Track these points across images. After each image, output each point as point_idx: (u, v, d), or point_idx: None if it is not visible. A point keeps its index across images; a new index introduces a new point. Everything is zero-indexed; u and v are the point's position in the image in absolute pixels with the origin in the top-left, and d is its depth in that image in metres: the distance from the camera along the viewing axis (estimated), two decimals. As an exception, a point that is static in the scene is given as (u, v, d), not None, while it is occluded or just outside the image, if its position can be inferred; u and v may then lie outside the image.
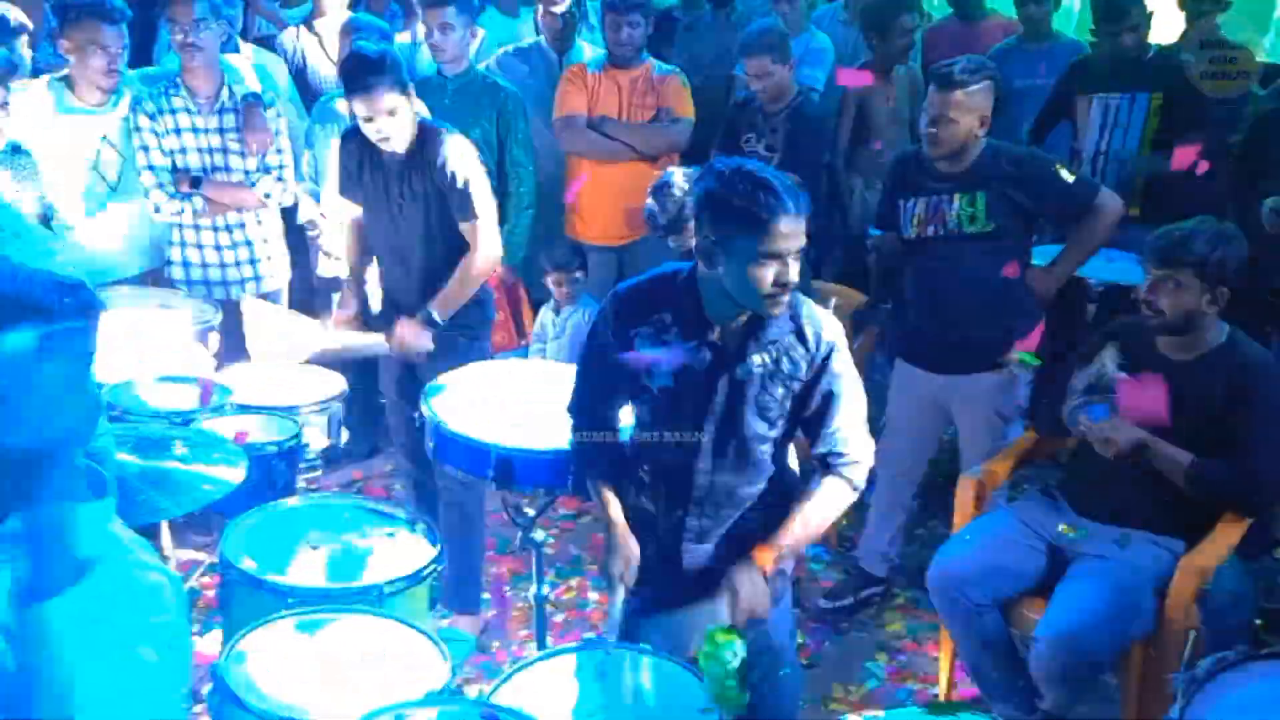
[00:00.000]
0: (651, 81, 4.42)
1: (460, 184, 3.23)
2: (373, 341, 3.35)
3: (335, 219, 3.89)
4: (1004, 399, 3.46)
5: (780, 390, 2.30)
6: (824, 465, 2.38)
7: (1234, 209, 4.00)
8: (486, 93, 4.30)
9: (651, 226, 3.29)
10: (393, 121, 3.16)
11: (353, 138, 3.36)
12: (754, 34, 4.22)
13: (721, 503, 2.38)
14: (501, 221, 4.40)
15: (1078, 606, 2.75)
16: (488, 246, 3.31)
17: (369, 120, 3.16)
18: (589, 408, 2.43)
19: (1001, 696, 2.97)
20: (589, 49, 4.84)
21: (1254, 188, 3.77)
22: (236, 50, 4.47)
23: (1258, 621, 3.31)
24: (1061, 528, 2.88)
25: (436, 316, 3.27)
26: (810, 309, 2.33)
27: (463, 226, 3.28)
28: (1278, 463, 2.77)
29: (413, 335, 3.26)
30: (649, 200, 3.26)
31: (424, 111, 3.53)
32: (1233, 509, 2.82)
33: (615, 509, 2.39)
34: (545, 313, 4.43)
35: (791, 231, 2.15)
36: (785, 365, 2.29)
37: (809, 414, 2.34)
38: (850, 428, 2.35)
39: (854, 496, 2.40)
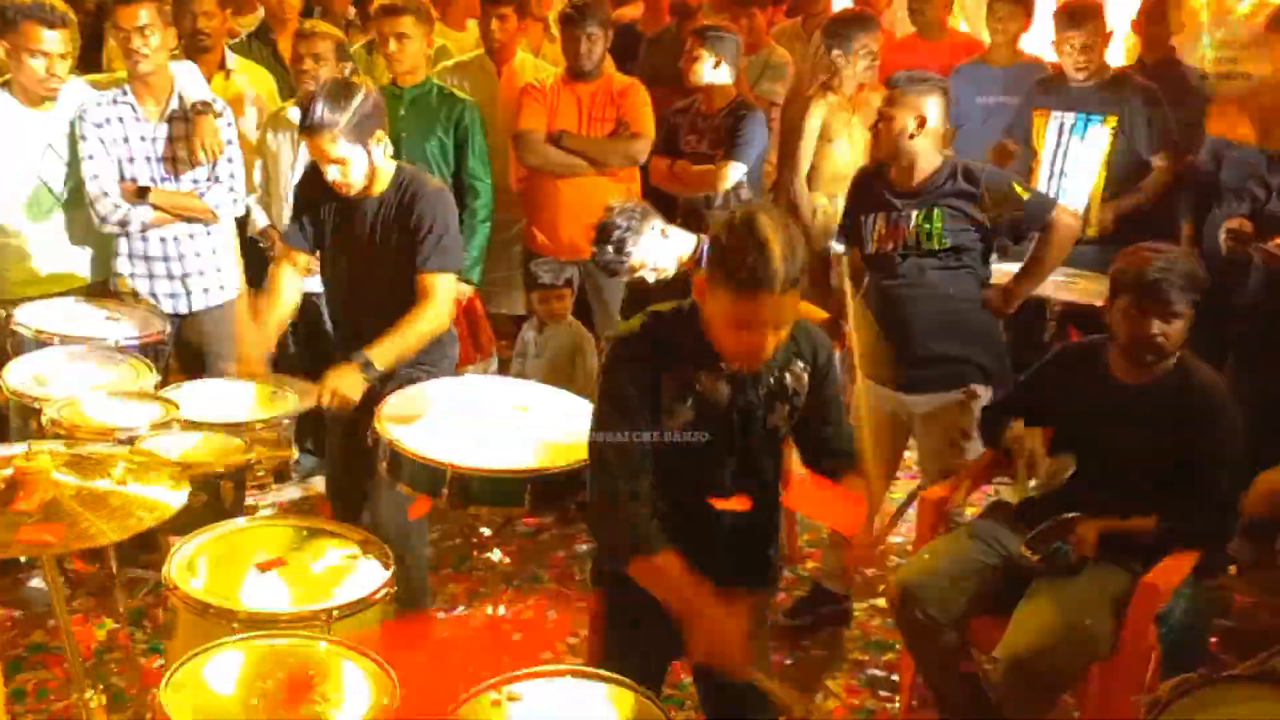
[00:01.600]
0: (611, 94, 4.40)
1: (437, 235, 3.12)
2: (303, 400, 3.15)
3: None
4: (964, 417, 3.45)
5: (787, 409, 2.26)
6: (834, 467, 2.30)
7: (1189, 230, 4.05)
8: (443, 104, 4.25)
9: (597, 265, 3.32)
10: (343, 169, 3.05)
11: (315, 171, 3.26)
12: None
13: (737, 536, 2.30)
14: (460, 234, 4.36)
15: (1037, 626, 2.75)
16: (441, 305, 3.15)
17: (323, 168, 3.08)
18: (629, 469, 2.17)
19: (961, 715, 2.96)
20: (530, 62, 4.81)
21: (1210, 209, 3.80)
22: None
23: (1213, 640, 3.33)
24: (1022, 549, 2.87)
25: (375, 363, 3.08)
26: (803, 322, 2.26)
27: (425, 278, 3.13)
28: (1234, 493, 2.78)
29: (348, 384, 3.05)
30: (594, 247, 3.32)
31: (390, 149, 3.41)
32: (1199, 546, 2.84)
33: (684, 573, 2.13)
34: (526, 330, 4.37)
35: (771, 306, 2.03)
36: (789, 382, 2.24)
37: (806, 424, 2.29)
38: (844, 423, 2.32)
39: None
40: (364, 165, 3.07)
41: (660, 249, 3.39)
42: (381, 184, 3.16)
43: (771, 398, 2.23)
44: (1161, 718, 2.13)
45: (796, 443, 2.31)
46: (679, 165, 4.38)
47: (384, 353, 3.08)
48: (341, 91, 3.02)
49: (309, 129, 3.00)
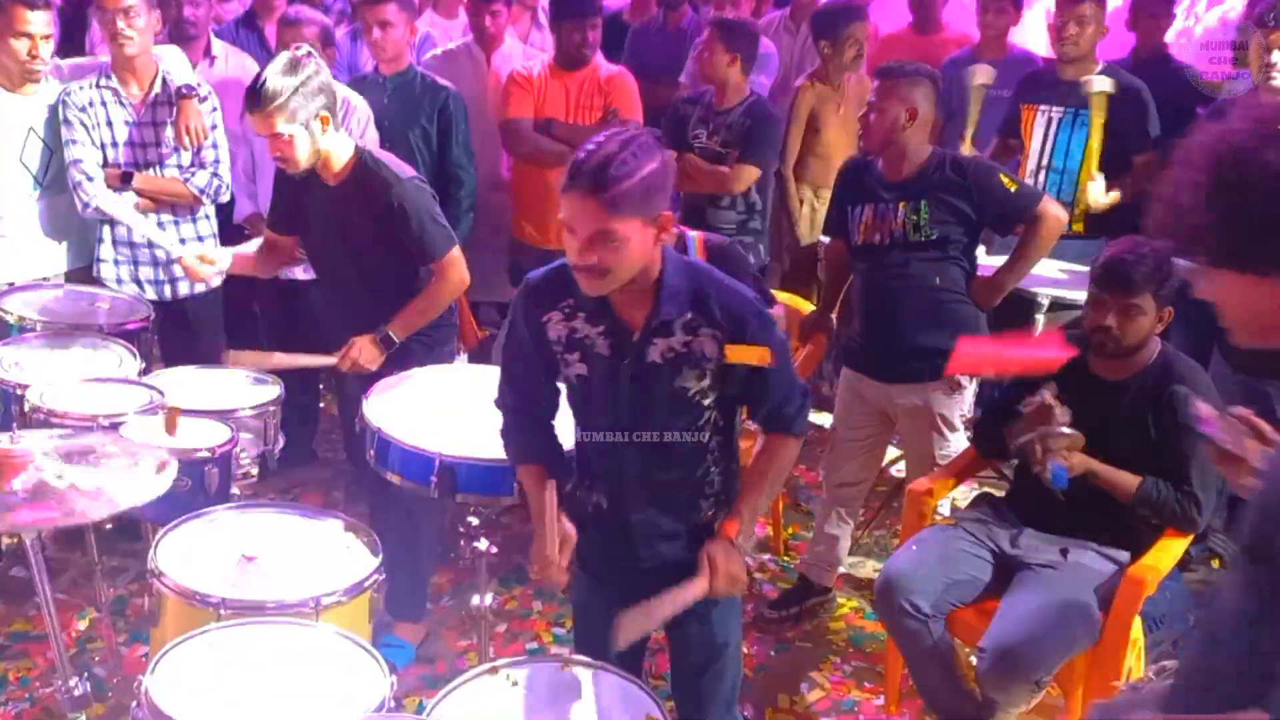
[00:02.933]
0: (599, 83, 4.38)
1: (420, 226, 3.11)
2: (322, 359, 3.22)
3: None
4: (949, 409, 3.47)
5: (695, 374, 2.17)
6: (764, 424, 2.31)
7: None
8: (427, 92, 4.23)
9: None
10: (283, 147, 3.01)
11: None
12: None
13: (664, 497, 2.27)
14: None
15: (1023, 617, 2.76)
16: (457, 275, 3.22)
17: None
18: (516, 393, 2.35)
19: (947, 707, 2.97)
20: (518, 50, 4.79)
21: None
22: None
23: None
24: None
25: (395, 337, 3.16)
26: (722, 286, 2.18)
27: (433, 265, 3.19)
28: (1212, 486, 2.79)
29: (368, 355, 3.14)
30: None
31: (353, 139, 3.36)
32: (1176, 528, 2.85)
33: (539, 489, 2.20)
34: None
35: (572, 210, 2.00)
36: (695, 348, 2.15)
37: (738, 390, 2.22)
38: (785, 384, 2.24)
39: (799, 443, 2.33)
40: (306, 145, 3.02)
41: None
42: (336, 166, 3.12)
43: (678, 361, 2.15)
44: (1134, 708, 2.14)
45: (743, 404, 2.30)
46: (688, 161, 4.31)
47: (404, 326, 3.18)
48: (287, 68, 2.97)
49: (250, 103, 2.97)
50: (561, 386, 2.34)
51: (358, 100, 4.04)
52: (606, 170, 1.96)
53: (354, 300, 3.26)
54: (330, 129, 3.06)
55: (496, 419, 2.40)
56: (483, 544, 2.72)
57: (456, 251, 3.22)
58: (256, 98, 2.94)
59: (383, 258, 3.18)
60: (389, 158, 3.26)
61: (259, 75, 2.98)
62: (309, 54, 3.03)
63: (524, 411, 2.36)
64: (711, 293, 2.16)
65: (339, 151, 3.12)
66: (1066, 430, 2.77)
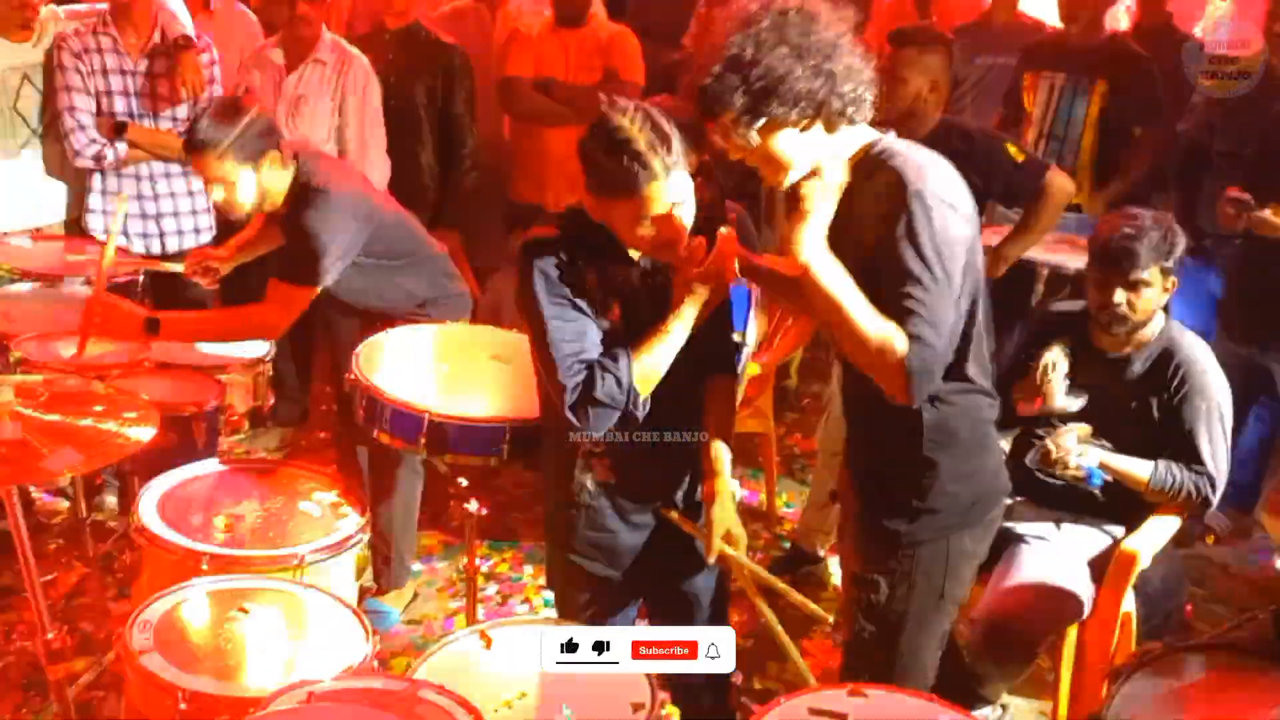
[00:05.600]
0: (600, 42, 4.32)
1: (305, 245, 2.89)
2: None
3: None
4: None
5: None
6: (711, 367, 2.29)
7: (1179, 198, 4.02)
8: (431, 49, 4.17)
9: None
10: (226, 191, 2.85)
11: None
12: None
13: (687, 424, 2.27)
14: (445, 182, 4.30)
15: (1016, 589, 2.74)
16: (275, 317, 2.96)
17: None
18: (591, 347, 2.13)
19: (938, 677, 2.95)
20: (526, 7, 4.73)
21: (1199, 177, 3.77)
22: None
23: (1188, 608, 3.35)
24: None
25: (157, 327, 2.87)
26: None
27: (273, 281, 2.95)
28: (1223, 460, 2.77)
29: (115, 316, 2.88)
30: None
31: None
32: (1191, 511, 2.82)
33: None
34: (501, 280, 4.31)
35: (666, 191, 2.02)
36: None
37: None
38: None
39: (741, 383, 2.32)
40: (251, 189, 2.86)
41: None
42: (274, 201, 2.95)
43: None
44: (1124, 688, 2.13)
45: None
46: None
47: (177, 324, 2.95)
48: (229, 110, 2.84)
49: (190, 147, 2.82)
50: None
51: (358, 55, 3.98)
52: (664, 154, 2.03)
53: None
54: (277, 165, 2.88)
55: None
56: (473, 505, 2.70)
57: (301, 297, 2.93)
58: (196, 141, 2.79)
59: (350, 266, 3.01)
60: (334, 172, 3.04)
61: (198, 117, 2.84)
62: (248, 92, 2.91)
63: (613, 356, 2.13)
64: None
65: (278, 185, 2.92)
66: (1073, 426, 2.76)
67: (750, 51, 1.87)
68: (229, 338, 3.10)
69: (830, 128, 1.96)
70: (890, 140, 2.05)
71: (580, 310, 2.13)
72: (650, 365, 2.11)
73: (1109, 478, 2.77)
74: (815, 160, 1.96)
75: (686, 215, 2.08)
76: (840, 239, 1.94)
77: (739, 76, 1.87)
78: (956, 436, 2.10)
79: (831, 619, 2.20)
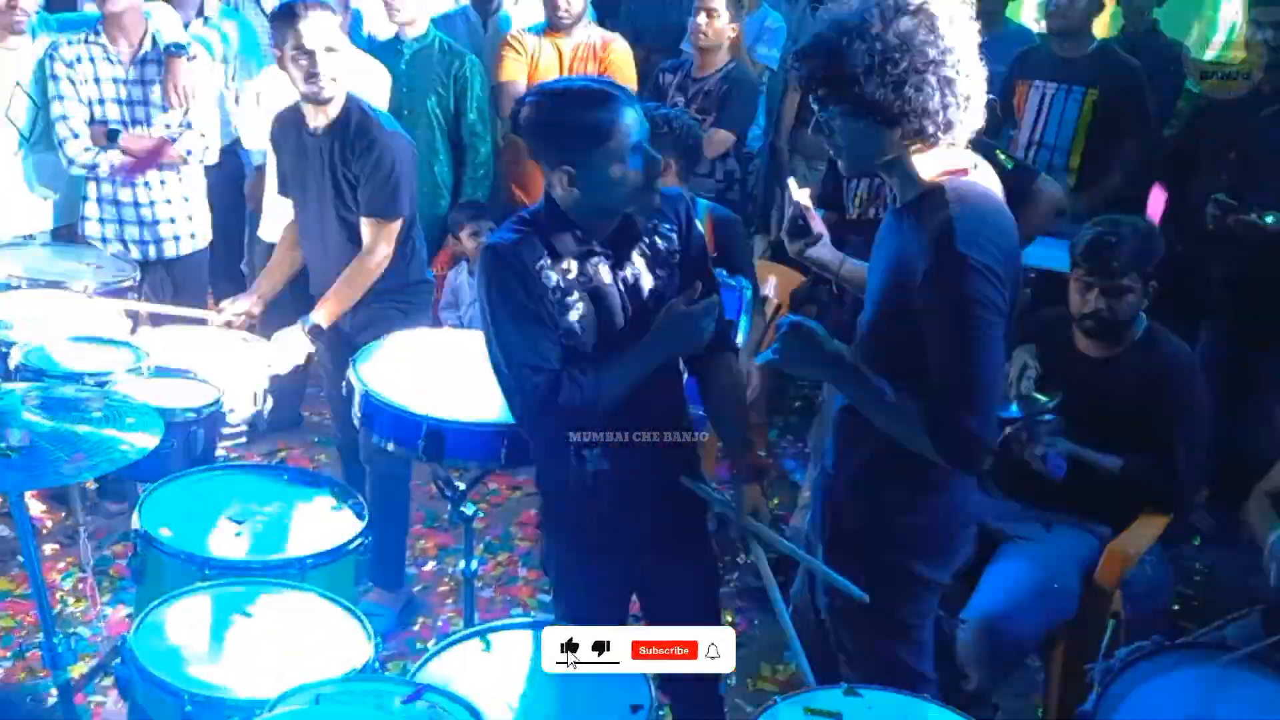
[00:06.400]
0: (594, 48, 4.35)
1: (378, 179, 3.06)
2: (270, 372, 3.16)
3: (274, 224, 3.75)
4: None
5: (667, 273, 2.21)
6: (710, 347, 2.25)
7: (1165, 202, 4.07)
8: (444, 57, 4.20)
9: None
10: (330, 63, 2.97)
11: (285, 118, 3.23)
12: None
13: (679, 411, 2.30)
14: (458, 192, 4.32)
15: (1004, 588, 2.77)
16: (383, 251, 3.15)
17: (299, 58, 2.98)
18: (554, 351, 2.12)
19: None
20: (516, 12, 4.76)
21: (1186, 182, 3.82)
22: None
23: (1175, 608, 3.39)
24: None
25: (322, 324, 3.12)
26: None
27: (366, 221, 3.12)
28: (1198, 461, 2.81)
29: (291, 345, 3.11)
30: None
31: (361, 88, 3.37)
32: (1159, 507, 2.86)
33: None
34: (459, 276, 4.32)
35: (636, 120, 2.07)
36: (661, 244, 2.21)
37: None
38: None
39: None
40: (344, 60, 3.01)
41: None
42: (332, 109, 3.09)
43: (652, 264, 2.19)
44: (1112, 687, 2.16)
45: None
46: None
47: (327, 312, 3.13)
48: None
49: (302, 7, 2.95)
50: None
51: (376, 66, 4.01)
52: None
53: (338, 257, 3.24)
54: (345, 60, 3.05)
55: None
56: (470, 509, 2.72)
57: (398, 226, 3.16)
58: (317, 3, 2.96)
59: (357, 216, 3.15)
60: (377, 112, 3.23)
61: None
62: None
63: (572, 362, 2.14)
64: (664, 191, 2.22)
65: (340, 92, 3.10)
66: (1048, 419, 2.78)
67: (877, 24, 1.87)
68: (360, 293, 3.19)
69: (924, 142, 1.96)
70: (963, 183, 2.01)
71: (539, 319, 2.11)
72: (623, 376, 2.12)
73: (1068, 467, 2.80)
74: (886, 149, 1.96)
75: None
76: (893, 262, 2.01)
77: (865, 44, 1.87)
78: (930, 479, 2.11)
79: (868, 598, 2.17)
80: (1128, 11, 4.68)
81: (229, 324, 3.33)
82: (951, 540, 2.23)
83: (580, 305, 2.14)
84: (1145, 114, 4.19)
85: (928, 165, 2.00)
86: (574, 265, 2.14)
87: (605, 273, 2.16)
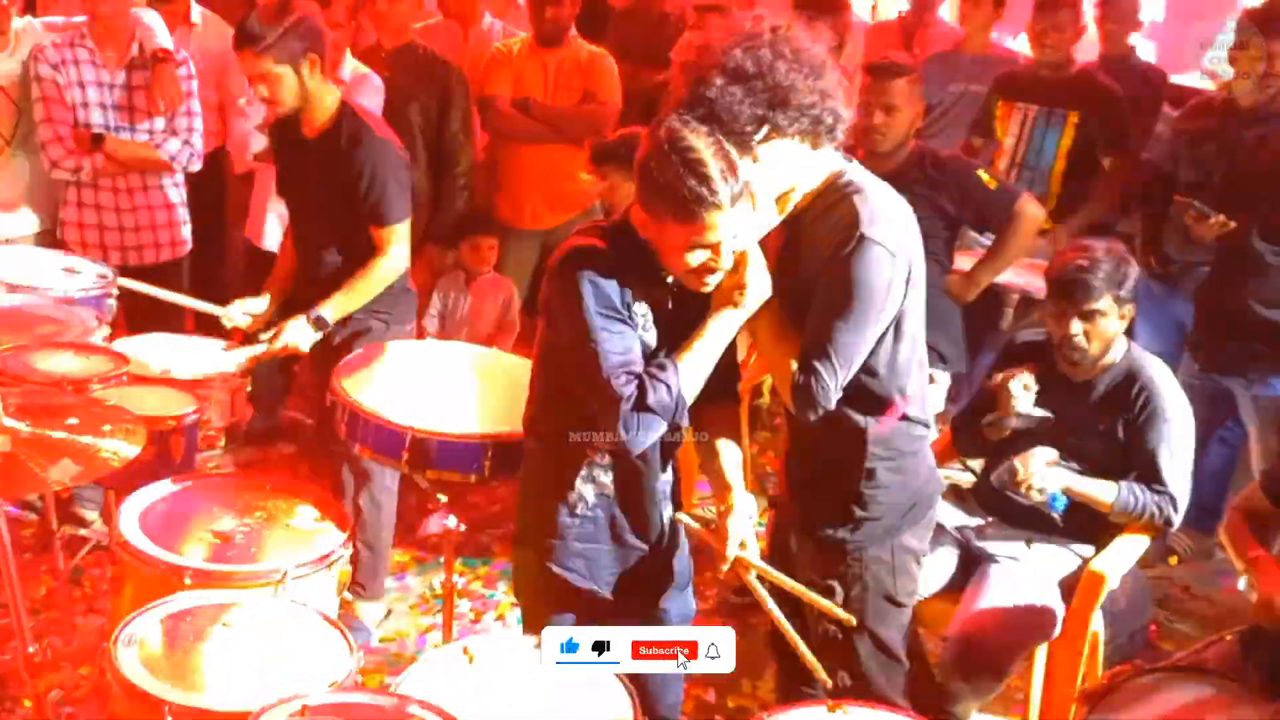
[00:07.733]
0: (579, 63, 4.36)
1: (374, 187, 3.07)
2: (255, 348, 3.17)
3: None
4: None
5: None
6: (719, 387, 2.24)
7: (1145, 226, 4.11)
8: (426, 67, 4.20)
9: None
10: (270, 88, 3.02)
11: (284, 120, 3.22)
12: None
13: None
14: (439, 202, 4.31)
15: (987, 608, 2.78)
16: (397, 253, 3.17)
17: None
18: (635, 355, 2.11)
19: (910, 695, 2.98)
20: (497, 25, 4.77)
21: (1165, 205, 3.86)
22: None
23: (1152, 628, 3.41)
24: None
25: (327, 318, 3.11)
26: None
27: (374, 232, 3.14)
28: (1185, 481, 2.83)
29: (299, 335, 3.09)
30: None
31: (347, 89, 3.39)
32: (1154, 531, 2.87)
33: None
34: (443, 291, 4.31)
35: (726, 223, 2.00)
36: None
37: None
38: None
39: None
40: (293, 86, 3.03)
41: None
42: (321, 115, 3.11)
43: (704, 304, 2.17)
44: (1096, 711, 2.17)
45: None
46: None
47: (336, 307, 3.13)
48: (277, 9, 2.99)
49: (238, 42, 2.99)
50: None
51: (372, 75, 4.01)
52: (732, 182, 2.02)
53: (323, 262, 3.23)
54: (318, 72, 3.05)
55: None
56: (451, 521, 2.71)
57: (404, 228, 3.17)
58: (243, 35, 2.95)
59: (355, 218, 3.15)
60: (374, 118, 3.23)
61: (248, 14, 3.00)
62: None
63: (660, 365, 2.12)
64: None
65: (324, 99, 3.10)
66: (1042, 450, 2.81)
67: (751, 65, 1.97)
68: (373, 294, 3.18)
69: (816, 144, 2.07)
70: (855, 171, 2.16)
71: (625, 322, 2.10)
72: (696, 370, 2.12)
73: (1069, 501, 2.82)
74: (797, 179, 2.08)
75: (735, 250, 2.06)
76: (794, 255, 2.13)
77: (744, 88, 1.96)
78: (895, 447, 2.26)
79: (854, 621, 2.22)
80: (1108, 36, 4.73)
81: (236, 325, 3.32)
82: (927, 509, 2.38)
83: (651, 325, 2.16)
84: (1125, 136, 4.23)
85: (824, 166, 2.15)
86: (644, 285, 2.14)
87: (669, 298, 2.19)
